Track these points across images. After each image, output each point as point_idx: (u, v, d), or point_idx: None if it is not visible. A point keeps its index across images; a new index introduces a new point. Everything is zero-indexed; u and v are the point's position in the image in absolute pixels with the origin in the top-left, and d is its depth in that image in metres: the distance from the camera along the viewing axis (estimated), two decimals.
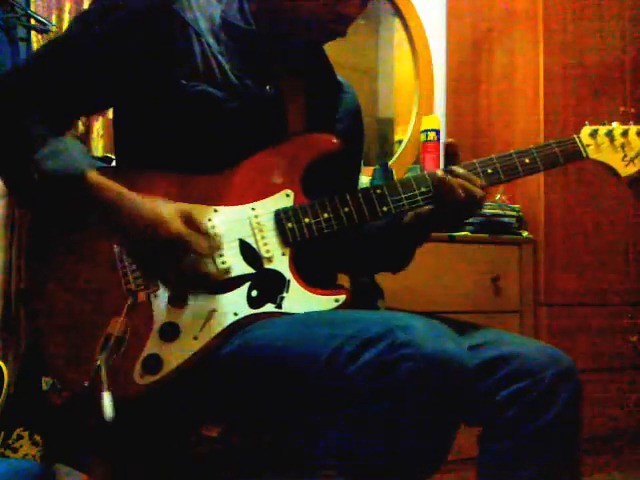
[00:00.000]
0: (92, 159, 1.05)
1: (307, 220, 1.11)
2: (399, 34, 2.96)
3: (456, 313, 2.11)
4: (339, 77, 1.35)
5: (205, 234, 1.02)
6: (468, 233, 2.36)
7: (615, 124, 1.27)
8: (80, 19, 1.17)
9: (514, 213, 2.46)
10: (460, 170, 1.14)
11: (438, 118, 2.82)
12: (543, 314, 2.44)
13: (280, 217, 1.11)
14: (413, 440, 0.89)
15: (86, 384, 1.00)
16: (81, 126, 2.22)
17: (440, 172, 1.15)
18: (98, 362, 1.00)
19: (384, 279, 1.37)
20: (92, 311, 1.05)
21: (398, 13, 2.92)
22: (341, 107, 1.31)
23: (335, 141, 1.16)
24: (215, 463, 1.14)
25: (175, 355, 1.03)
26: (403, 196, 1.15)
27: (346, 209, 1.12)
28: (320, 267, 1.17)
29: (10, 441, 1.76)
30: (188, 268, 1.01)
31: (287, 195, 1.13)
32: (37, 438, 1.76)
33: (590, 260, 2.53)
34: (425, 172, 1.18)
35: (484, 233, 2.38)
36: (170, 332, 1.04)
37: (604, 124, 1.27)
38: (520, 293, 2.41)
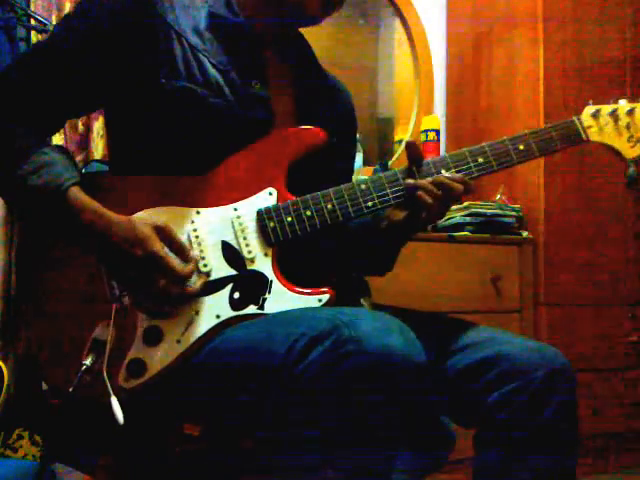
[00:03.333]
0: (75, 171, 1.05)
1: (289, 219, 1.09)
2: (399, 34, 2.96)
3: (456, 313, 2.10)
4: (333, 76, 1.35)
5: (182, 250, 1.03)
6: (468, 233, 2.36)
7: (622, 102, 1.20)
8: (63, 21, 1.18)
9: (514, 213, 2.46)
10: (422, 182, 1.13)
11: (438, 118, 2.82)
12: (543, 314, 2.44)
13: (262, 216, 1.09)
14: (362, 436, 0.89)
15: (70, 390, 0.99)
16: (81, 126, 2.22)
17: (410, 181, 1.13)
18: (83, 367, 1.00)
19: (383, 279, 1.36)
20: (80, 316, 1.06)
21: (398, 13, 2.92)
22: (333, 106, 1.30)
23: (322, 135, 1.14)
24: (214, 463, 1.15)
25: (159, 359, 1.03)
26: (389, 191, 1.13)
27: (329, 206, 1.10)
28: (308, 266, 1.16)
29: (10, 441, 1.76)
30: (162, 288, 1.01)
31: (270, 193, 1.11)
32: (37, 438, 1.76)
33: (590, 260, 2.53)
34: (400, 169, 1.16)
35: (484, 233, 2.38)
36: (154, 336, 1.04)
37: (609, 103, 1.20)
38: (520, 293, 2.41)
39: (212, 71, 1.12)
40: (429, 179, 1.13)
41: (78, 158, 2.18)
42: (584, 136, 1.19)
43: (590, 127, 1.19)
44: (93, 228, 1.01)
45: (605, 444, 2.48)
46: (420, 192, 1.12)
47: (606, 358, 2.50)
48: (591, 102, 1.20)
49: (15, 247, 2.15)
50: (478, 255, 2.35)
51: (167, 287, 1.01)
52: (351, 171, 1.42)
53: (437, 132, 2.75)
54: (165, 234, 1.03)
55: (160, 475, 1.18)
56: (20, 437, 1.77)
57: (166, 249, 1.02)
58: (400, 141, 2.89)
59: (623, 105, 1.20)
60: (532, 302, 2.43)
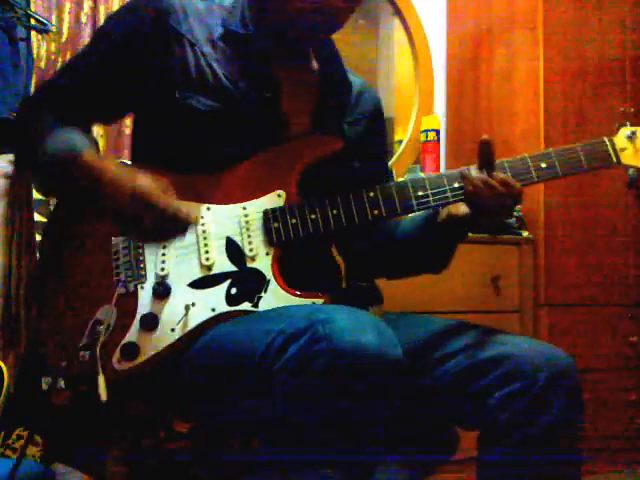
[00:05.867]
0: (94, 144, 1.16)
1: (294, 221, 1.11)
2: (399, 34, 2.96)
3: (456, 313, 2.11)
4: (357, 77, 1.34)
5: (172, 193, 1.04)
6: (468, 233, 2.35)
7: None
8: (94, 35, 1.33)
9: (514, 213, 2.46)
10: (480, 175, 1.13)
11: (438, 118, 2.82)
12: (543, 314, 2.44)
13: (268, 217, 1.12)
14: (342, 434, 0.90)
15: (63, 364, 1.05)
16: None
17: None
18: (80, 344, 1.04)
19: (384, 281, 1.36)
20: (84, 298, 1.10)
21: (398, 13, 2.92)
22: (357, 108, 1.31)
23: (337, 143, 1.16)
24: (213, 462, 1.15)
25: (152, 345, 1.06)
26: (396, 200, 1.14)
27: (334, 211, 1.12)
28: (313, 269, 1.17)
29: (10, 441, 1.76)
30: (153, 219, 1.02)
31: (279, 195, 1.14)
32: (37, 438, 1.76)
33: (590, 260, 2.53)
34: (424, 175, 1.17)
35: (484, 233, 2.38)
36: (150, 322, 1.07)
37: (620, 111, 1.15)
38: (520, 293, 2.41)
39: (224, 80, 1.15)
40: (483, 177, 1.13)
41: None
42: (614, 159, 1.14)
43: (624, 150, 1.14)
44: (98, 172, 1.05)
45: (606, 444, 2.47)
46: (472, 187, 1.12)
47: (606, 358, 2.50)
48: (628, 124, 1.15)
49: (15, 247, 2.15)
50: (478, 255, 2.35)
51: (155, 221, 1.02)
52: (384, 173, 1.38)
53: (437, 132, 2.75)
54: (161, 184, 1.04)
55: (158, 474, 1.19)
56: (20, 437, 1.77)
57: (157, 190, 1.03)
58: (400, 141, 2.89)
59: None
60: (532, 302, 2.43)
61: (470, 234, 1.23)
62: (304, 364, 0.89)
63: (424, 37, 2.94)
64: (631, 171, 1.25)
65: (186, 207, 1.03)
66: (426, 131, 2.75)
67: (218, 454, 1.15)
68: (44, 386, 1.10)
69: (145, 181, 1.03)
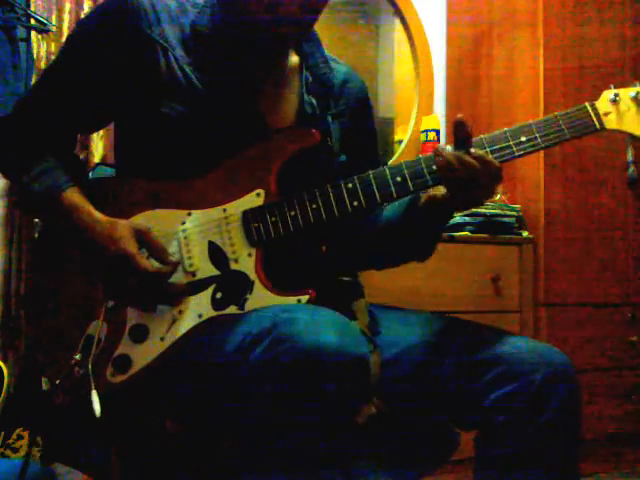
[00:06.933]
0: (76, 175, 1.14)
1: (273, 219, 1.10)
2: (399, 34, 2.96)
3: (456, 313, 2.10)
4: (343, 66, 1.31)
5: (160, 253, 1.06)
6: (468, 233, 2.36)
7: None
8: (65, 43, 1.24)
9: (514, 213, 2.46)
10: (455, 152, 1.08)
11: (438, 118, 2.82)
12: (543, 314, 2.44)
13: (247, 217, 1.10)
14: (301, 435, 0.89)
15: (57, 382, 1.05)
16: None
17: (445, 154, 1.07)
18: (72, 361, 1.04)
19: (384, 279, 1.36)
20: (76, 314, 1.11)
21: (398, 13, 2.92)
22: (341, 100, 1.27)
23: (315, 135, 1.13)
24: (212, 462, 1.15)
25: (143, 355, 1.07)
26: (375, 189, 1.11)
27: (314, 206, 1.10)
28: (297, 267, 1.16)
29: (10, 441, 1.77)
30: (132, 287, 1.05)
31: (257, 195, 1.11)
32: (37, 438, 1.76)
33: (590, 260, 2.53)
34: (402, 162, 1.12)
35: (484, 233, 2.38)
36: (140, 333, 1.07)
37: (635, 85, 1.10)
38: (520, 293, 2.41)
39: (198, 85, 1.12)
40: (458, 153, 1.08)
41: None
42: (597, 124, 1.08)
43: (608, 114, 1.09)
44: (79, 226, 1.08)
45: (605, 445, 2.47)
46: (446, 167, 1.07)
47: (606, 358, 2.50)
48: (612, 85, 1.10)
49: (15, 247, 2.15)
50: (478, 255, 2.35)
51: (138, 286, 1.04)
52: (375, 162, 1.31)
53: (437, 132, 2.75)
54: (144, 237, 1.06)
55: (155, 474, 1.19)
56: (20, 437, 1.77)
57: (142, 251, 1.06)
58: (400, 141, 2.89)
59: None
60: (532, 302, 2.43)
61: (459, 234, 1.19)
62: (269, 364, 0.90)
63: (424, 37, 2.94)
64: (631, 171, 1.24)
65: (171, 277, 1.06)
66: (426, 131, 2.75)
67: (209, 455, 1.15)
68: (44, 386, 1.10)
69: (128, 240, 1.04)
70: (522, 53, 2.60)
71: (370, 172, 1.12)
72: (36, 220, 1.36)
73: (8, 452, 1.75)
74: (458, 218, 2.36)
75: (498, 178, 1.10)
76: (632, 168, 1.22)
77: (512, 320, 2.37)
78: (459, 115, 1.11)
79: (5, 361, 1.95)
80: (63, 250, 1.15)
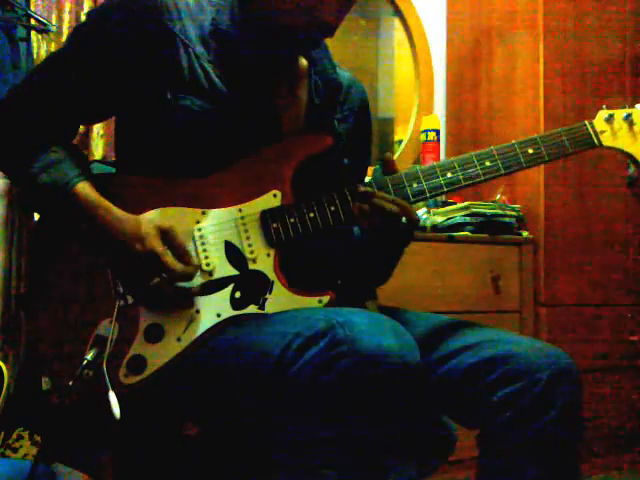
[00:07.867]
0: (85, 168, 1.11)
1: (292, 220, 1.10)
2: (399, 34, 2.96)
3: (456, 313, 2.11)
4: (345, 72, 1.33)
5: (183, 253, 1.05)
6: (468, 233, 2.36)
7: (638, 106, 1.18)
8: (74, 32, 1.20)
9: (514, 213, 2.46)
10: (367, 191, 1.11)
11: (438, 118, 2.82)
12: (543, 314, 2.44)
13: (266, 217, 1.11)
14: (357, 436, 0.89)
15: (70, 384, 1.02)
16: (81, 126, 2.22)
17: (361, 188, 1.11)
18: (84, 362, 1.02)
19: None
20: (84, 313, 1.09)
21: (398, 13, 2.92)
22: (346, 104, 1.30)
23: (328, 141, 1.15)
24: (213, 464, 1.15)
25: (159, 356, 1.05)
26: (392, 193, 1.13)
27: (332, 208, 1.11)
28: (314, 268, 1.17)
29: (10, 441, 1.76)
30: (158, 285, 1.04)
31: (274, 195, 1.12)
32: (37, 438, 1.76)
33: (590, 260, 2.53)
34: (402, 172, 1.14)
35: (484, 233, 2.38)
36: (155, 333, 1.06)
37: (624, 107, 1.19)
38: (520, 293, 2.41)
39: (217, 82, 1.13)
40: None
41: None
42: (596, 141, 1.18)
43: (603, 132, 1.18)
44: (101, 223, 1.06)
45: (606, 444, 2.47)
46: (357, 209, 1.11)
47: (606, 358, 2.50)
48: (605, 107, 1.19)
49: (15, 247, 2.14)
50: (478, 255, 2.35)
51: (162, 284, 1.03)
52: (365, 169, 1.40)
53: (437, 132, 2.75)
54: (168, 236, 1.05)
55: (160, 475, 1.18)
56: (20, 437, 1.77)
57: (166, 249, 1.04)
58: (400, 141, 2.89)
59: (638, 109, 1.19)
60: (532, 302, 2.43)
61: (459, 234, 1.21)
62: (325, 366, 0.89)
63: (424, 37, 2.94)
64: (631, 170, 1.26)
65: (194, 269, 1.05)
66: (426, 131, 2.75)
67: (228, 457, 1.14)
68: (44, 386, 1.09)
69: (155, 238, 1.03)
70: (522, 53, 2.60)
71: (387, 177, 1.14)
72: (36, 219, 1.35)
73: (8, 452, 1.74)
74: (458, 218, 2.36)
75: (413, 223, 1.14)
76: (632, 168, 1.24)
77: (512, 320, 2.37)
78: (387, 154, 1.17)
79: (5, 361, 1.95)
80: (62, 246, 1.13)
